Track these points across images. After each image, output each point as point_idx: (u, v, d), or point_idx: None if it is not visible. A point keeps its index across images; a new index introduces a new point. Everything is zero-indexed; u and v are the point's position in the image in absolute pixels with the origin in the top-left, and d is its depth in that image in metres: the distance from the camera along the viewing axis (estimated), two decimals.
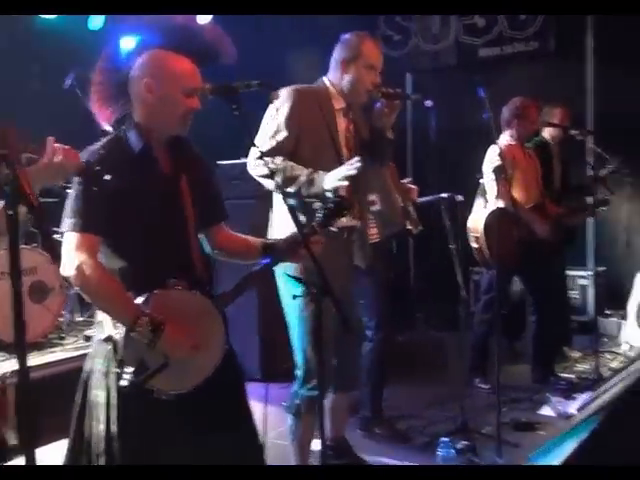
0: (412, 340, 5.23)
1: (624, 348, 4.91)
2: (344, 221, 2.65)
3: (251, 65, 2.83)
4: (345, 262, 2.91)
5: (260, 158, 2.66)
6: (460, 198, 3.72)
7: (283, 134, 2.75)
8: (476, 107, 3.40)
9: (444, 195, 3.68)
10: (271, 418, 3.00)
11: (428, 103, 3.04)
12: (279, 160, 2.72)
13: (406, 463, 3.24)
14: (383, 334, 3.57)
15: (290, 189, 2.70)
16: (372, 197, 3.37)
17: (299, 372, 2.81)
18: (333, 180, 2.65)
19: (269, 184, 2.78)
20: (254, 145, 2.25)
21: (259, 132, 2.80)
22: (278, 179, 2.69)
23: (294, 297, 2.42)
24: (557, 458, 2.20)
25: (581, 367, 4.67)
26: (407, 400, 4.14)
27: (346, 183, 2.65)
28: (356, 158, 2.65)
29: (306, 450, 2.86)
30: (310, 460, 2.85)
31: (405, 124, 6.45)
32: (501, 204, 4.12)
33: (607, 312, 5.51)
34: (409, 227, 3.80)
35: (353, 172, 2.63)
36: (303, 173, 2.70)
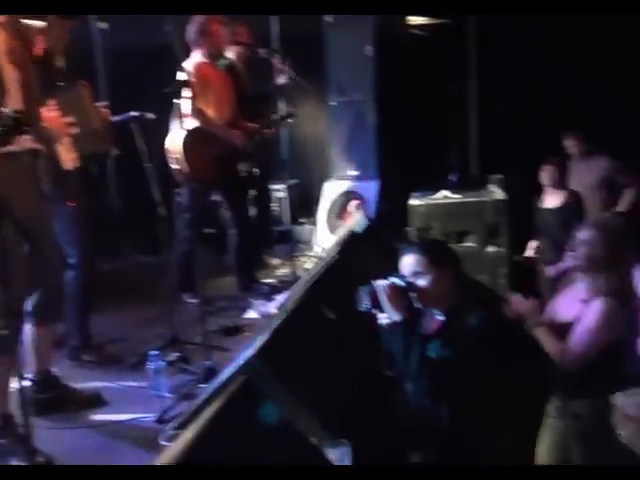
0: (119, 266, 5.18)
1: (317, 251, 5.43)
2: (27, 143, 2.50)
3: None
4: (32, 186, 2.74)
5: None
6: (151, 116, 3.69)
7: None
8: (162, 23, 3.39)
9: (135, 114, 3.62)
10: None
11: (102, 25, 2.92)
12: None
13: (119, 384, 3.28)
14: (85, 261, 3.48)
15: None
16: (69, 119, 3.21)
17: None
18: None
19: None
20: None
21: None
22: None
23: None
24: (254, 349, 2.42)
25: (281, 272, 5.09)
26: (117, 325, 4.13)
27: None
28: None
29: (5, 392, 2.70)
30: (12, 397, 2.71)
31: (93, 45, 6.11)
32: (195, 123, 4.19)
33: (301, 220, 6.03)
34: (108, 149, 3.70)
35: None
36: None
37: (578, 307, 2.74)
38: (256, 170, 4.95)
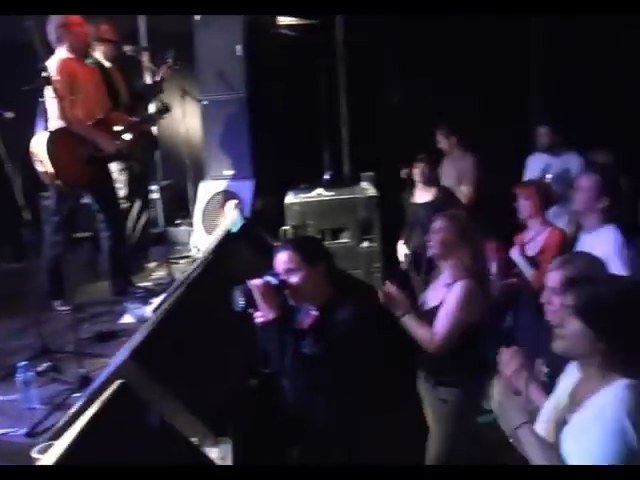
0: None
1: (193, 252, 5.38)
2: None
3: None
4: None
5: None
6: (10, 115, 3.52)
7: None
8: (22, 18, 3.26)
9: None
10: None
11: None
12: None
13: None
14: None
15: None
16: None
17: None
18: None
19: None
20: None
21: None
22: None
23: None
24: (129, 352, 2.39)
25: (157, 275, 4.99)
26: None
27: None
28: None
29: None
30: None
31: None
32: (60, 123, 4.04)
33: (177, 222, 5.94)
34: None
35: None
36: None
37: (443, 292, 2.94)
38: (134, 169, 4.85)
